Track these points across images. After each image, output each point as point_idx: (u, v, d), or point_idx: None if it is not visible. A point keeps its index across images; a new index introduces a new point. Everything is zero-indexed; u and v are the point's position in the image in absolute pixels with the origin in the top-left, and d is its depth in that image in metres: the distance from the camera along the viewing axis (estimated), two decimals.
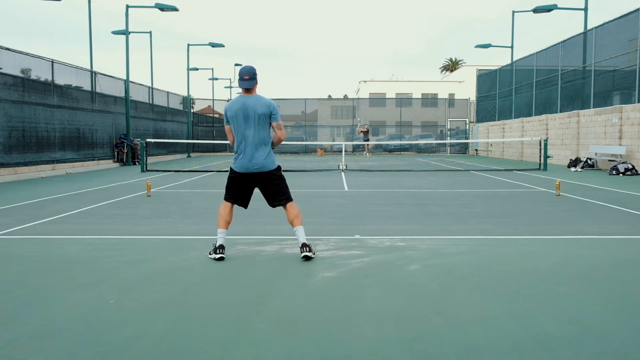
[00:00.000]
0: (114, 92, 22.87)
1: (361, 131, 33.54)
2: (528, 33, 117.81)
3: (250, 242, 5.97)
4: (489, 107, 33.28)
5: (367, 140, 33.33)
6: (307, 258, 5.03)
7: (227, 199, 5.24)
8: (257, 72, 5.13)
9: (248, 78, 5.02)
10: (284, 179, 5.28)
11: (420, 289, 4.15)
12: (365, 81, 58.93)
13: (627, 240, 6.10)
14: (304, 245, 5.07)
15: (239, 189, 5.21)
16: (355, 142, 36.51)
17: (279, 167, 5.24)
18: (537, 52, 25.84)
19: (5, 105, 14.61)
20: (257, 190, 5.34)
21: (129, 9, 23.10)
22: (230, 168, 5.24)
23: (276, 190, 5.19)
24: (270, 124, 5.11)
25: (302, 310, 3.67)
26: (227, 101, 44.35)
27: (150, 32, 30.22)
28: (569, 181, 13.54)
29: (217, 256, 5.03)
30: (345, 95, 67.68)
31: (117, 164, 22.25)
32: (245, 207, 5.37)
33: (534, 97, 25.98)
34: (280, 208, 5.34)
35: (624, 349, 2.99)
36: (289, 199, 5.24)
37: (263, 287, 4.21)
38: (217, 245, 5.09)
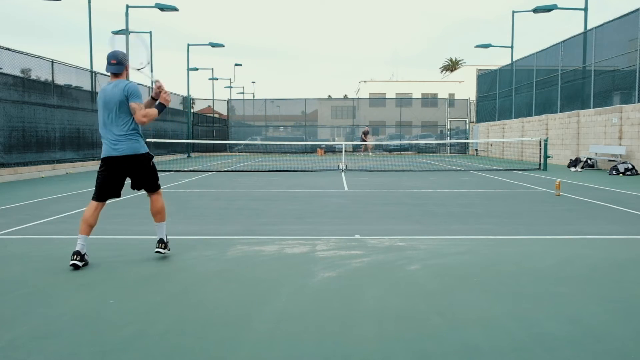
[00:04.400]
0: None
1: (364, 134, 34.07)
2: (528, 33, 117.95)
3: (250, 242, 5.97)
4: (489, 107, 33.28)
5: (365, 140, 33.71)
6: (159, 253, 5.13)
7: (94, 197, 4.94)
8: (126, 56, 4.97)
9: (115, 62, 4.87)
10: (154, 167, 5.12)
11: (420, 289, 4.15)
12: (365, 81, 58.95)
13: (627, 240, 6.10)
14: (160, 240, 5.14)
15: (108, 181, 4.92)
16: (355, 142, 36.53)
17: (147, 154, 5.03)
18: (537, 52, 25.84)
19: (5, 105, 14.61)
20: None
21: (129, 9, 23.10)
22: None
23: (144, 178, 5.04)
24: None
25: (302, 310, 3.67)
26: (227, 101, 44.33)
27: (150, 32, 30.21)
28: (569, 181, 13.54)
29: (70, 262, 4.72)
30: (345, 95, 67.71)
31: None
32: (118, 196, 5.07)
33: (534, 97, 25.98)
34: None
35: (624, 349, 2.99)
36: (154, 189, 5.14)
37: (263, 287, 4.21)
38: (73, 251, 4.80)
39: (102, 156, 4.95)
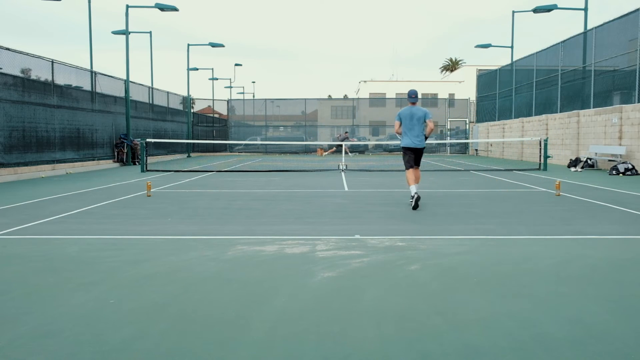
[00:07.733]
0: (114, 92, 22.87)
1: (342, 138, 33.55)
2: (528, 33, 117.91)
3: (250, 242, 5.97)
4: (489, 107, 33.28)
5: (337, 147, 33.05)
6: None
7: (407, 167, 9.12)
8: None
9: (414, 97, 9.05)
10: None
11: (420, 289, 4.15)
12: (365, 81, 58.92)
13: (627, 240, 6.10)
14: None
15: (410, 158, 9.06)
16: (355, 142, 36.51)
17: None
18: (537, 52, 25.84)
19: (5, 105, 14.61)
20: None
21: (129, 9, 23.10)
22: (402, 147, 9.21)
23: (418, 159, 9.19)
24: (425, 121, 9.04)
25: (302, 310, 3.67)
26: (227, 101, 44.26)
27: (150, 32, 30.26)
28: (569, 181, 13.54)
29: (412, 202, 8.52)
30: (345, 95, 67.71)
31: (117, 164, 22.25)
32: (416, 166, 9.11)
33: (534, 97, 25.98)
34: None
35: (624, 349, 2.99)
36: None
37: (263, 287, 4.21)
38: (411, 194, 8.66)
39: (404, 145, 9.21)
